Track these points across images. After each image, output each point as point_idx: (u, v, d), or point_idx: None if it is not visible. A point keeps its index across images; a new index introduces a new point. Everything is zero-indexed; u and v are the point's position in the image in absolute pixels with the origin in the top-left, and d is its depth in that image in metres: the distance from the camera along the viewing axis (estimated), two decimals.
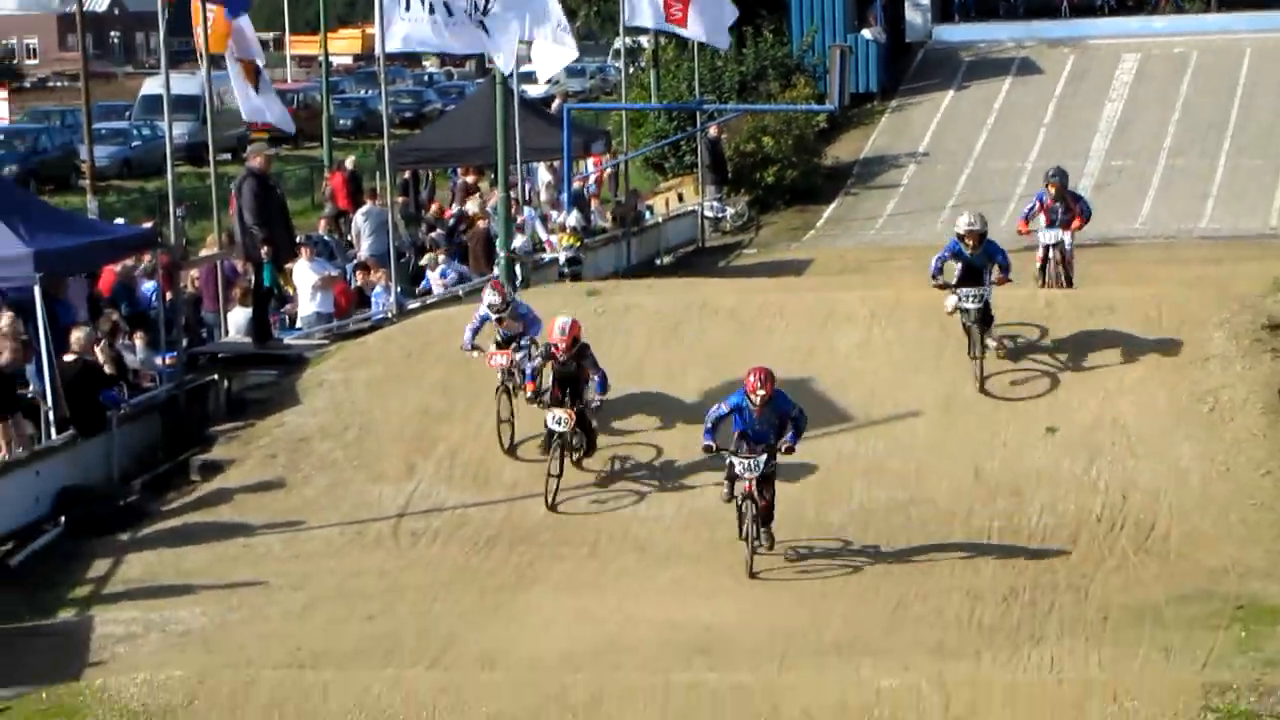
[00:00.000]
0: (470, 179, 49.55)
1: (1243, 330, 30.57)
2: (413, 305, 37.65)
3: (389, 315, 36.46)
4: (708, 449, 25.59)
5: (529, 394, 28.55)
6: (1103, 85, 58.86)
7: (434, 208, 48.74)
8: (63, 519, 27.74)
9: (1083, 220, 32.23)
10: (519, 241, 40.51)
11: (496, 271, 38.50)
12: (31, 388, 29.35)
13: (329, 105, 48.64)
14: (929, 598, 23.53)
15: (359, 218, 43.94)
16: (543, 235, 44.27)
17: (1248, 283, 33.91)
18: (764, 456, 25.20)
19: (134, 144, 63.35)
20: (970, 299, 27.74)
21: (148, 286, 35.50)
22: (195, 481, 29.53)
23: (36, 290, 28.90)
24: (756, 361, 30.65)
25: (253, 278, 34.65)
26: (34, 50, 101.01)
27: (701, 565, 25.08)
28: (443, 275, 39.85)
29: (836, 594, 23.41)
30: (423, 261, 41.10)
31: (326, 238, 42.49)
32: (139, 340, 33.50)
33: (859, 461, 28.00)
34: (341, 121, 54.36)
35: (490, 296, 29.61)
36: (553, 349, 28.20)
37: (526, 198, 45.93)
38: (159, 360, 33.09)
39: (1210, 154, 53.67)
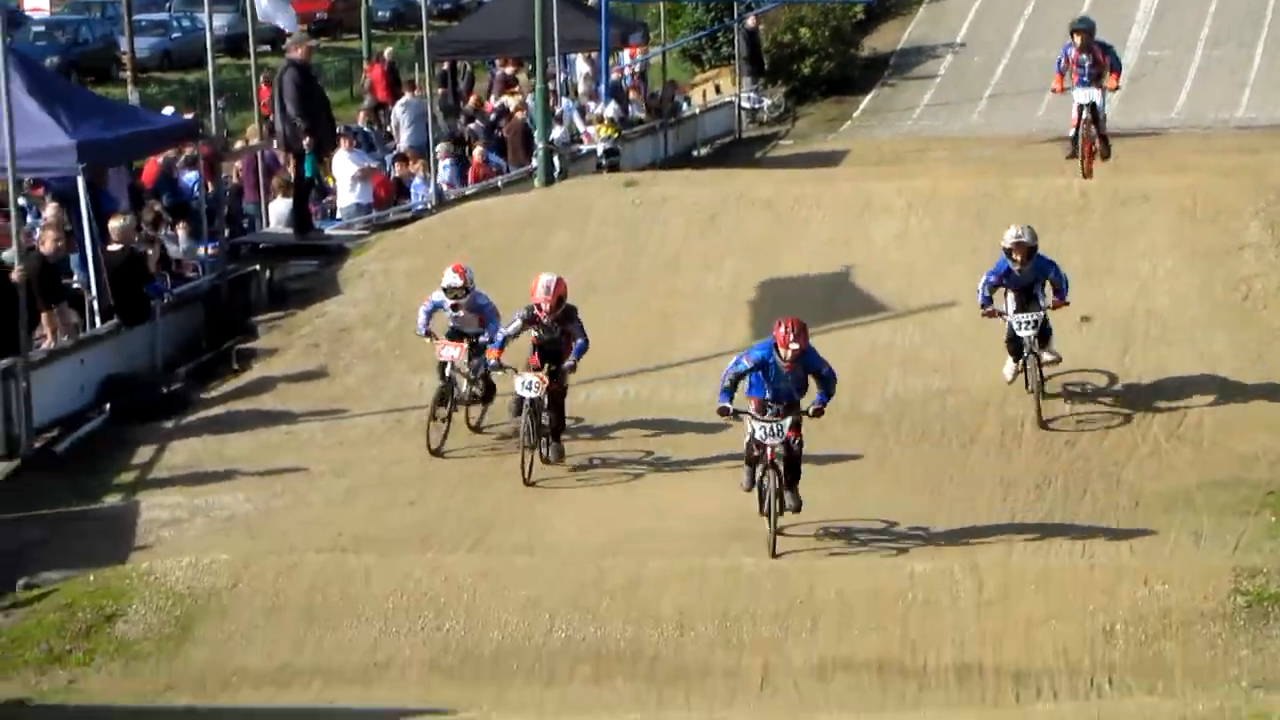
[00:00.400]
0: (509, 70, 49.53)
1: (1277, 219, 30.65)
2: (451, 196, 37.78)
3: (428, 206, 36.57)
4: (723, 411, 22.52)
5: (492, 361, 25.54)
6: None
7: (472, 100, 48.72)
8: (107, 407, 27.93)
9: (1116, 75, 30.87)
10: (557, 133, 40.33)
11: (535, 163, 38.50)
12: (76, 277, 29.49)
13: None
14: (962, 485, 23.66)
15: (398, 109, 44.06)
16: (580, 127, 44.23)
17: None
18: (788, 420, 22.26)
19: (174, 35, 63.19)
20: (1026, 326, 25.14)
21: (189, 177, 35.62)
22: (237, 370, 29.77)
23: (80, 181, 29.04)
24: (793, 252, 30.94)
25: (293, 169, 34.81)
26: None
27: (736, 460, 25.11)
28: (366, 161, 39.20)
29: (871, 481, 23.50)
30: (398, 173, 40.67)
31: (365, 129, 42.46)
32: (181, 231, 33.66)
33: (895, 351, 28.01)
34: (380, 13, 54.08)
35: (450, 278, 26.09)
36: (535, 311, 24.93)
37: (564, 89, 45.75)
38: (201, 250, 33.22)
39: (1248, 44, 53.56)
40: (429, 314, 26.45)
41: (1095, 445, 24.90)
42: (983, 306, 25.33)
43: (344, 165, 37.39)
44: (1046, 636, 19.23)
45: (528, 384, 24.96)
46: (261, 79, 37.20)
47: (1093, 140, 30.46)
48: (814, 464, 24.25)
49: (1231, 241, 29.97)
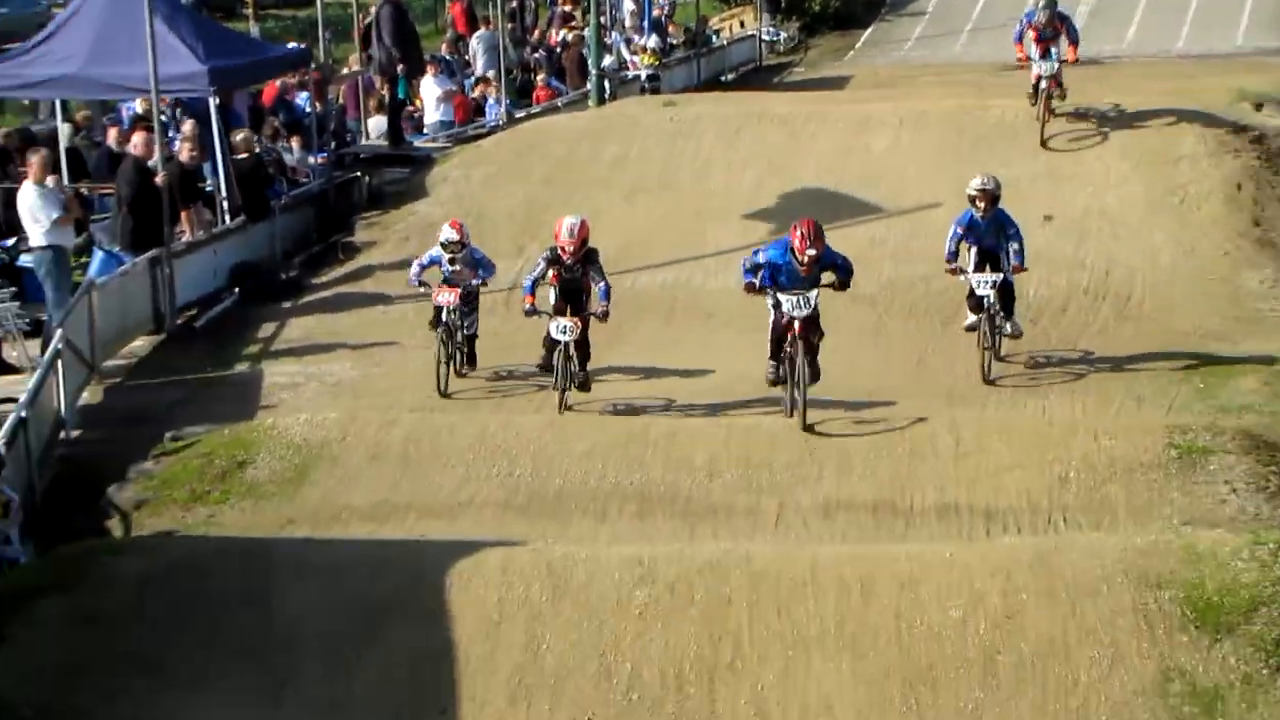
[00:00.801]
0: (567, 8, 49.25)
1: (1209, 135, 30.71)
2: (519, 115, 37.94)
3: (500, 123, 36.67)
4: (749, 287, 21.33)
5: (526, 307, 22.88)
6: None
7: (536, 33, 48.66)
8: (236, 290, 28.22)
9: (1074, 47, 29.31)
10: (607, 61, 40.32)
11: (589, 86, 38.58)
12: (209, 182, 29.71)
13: None
14: (944, 355, 23.90)
15: (475, 41, 44.02)
16: (627, 56, 44.13)
17: (1214, 95, 33.86)
18: (814, 292, 20.94)
19: None
20: (985, 285, 23.22)
21: (301, 98, 35.74)
22: (342, 259, 29.96)
23: (211, 101, 29.26)
24: (804, 161, 31.12)
25: (388, 91, 35.07)
26: None
27: (760, 329, 25.16)
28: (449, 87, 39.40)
29: (869, 350, 23.64)
30: (475, 94, 40.72)
31: (448, 57, 42.37)
32: (295, 143, 33.79)
33: (889, 244, 28.13)
34: None
35: (447, 233, 23.70)
36: (559, 252, 22.65)
37: (613, 24, 45.70)
38: (312, 160, 33.38)
39: None
40: (424, 267, 24.06)
41: (1055, 323, 25.09)
42: (948, 261, 23.60)
43: (430, 88, 37.55)
44: (1012, 481, 19.39)
45: (563, 328, 22.54)
46: (361, 15, 37.24)
47: (1051, 98, 29.38)
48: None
49: (1171, 153, 30.06)
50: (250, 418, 22.69)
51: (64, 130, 30.95)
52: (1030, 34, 28.35)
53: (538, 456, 20.42)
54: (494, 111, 38.19)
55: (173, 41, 28.30)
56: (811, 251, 20.71)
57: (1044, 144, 24.80)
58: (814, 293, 20.94)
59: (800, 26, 54.41)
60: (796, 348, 21.11)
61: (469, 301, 23.91)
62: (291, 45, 38.10)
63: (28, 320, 25.07)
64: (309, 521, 19.19)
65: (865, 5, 55.35)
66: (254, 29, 41.80)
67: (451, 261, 23.66)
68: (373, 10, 36.17)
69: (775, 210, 29.38)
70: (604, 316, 22.83)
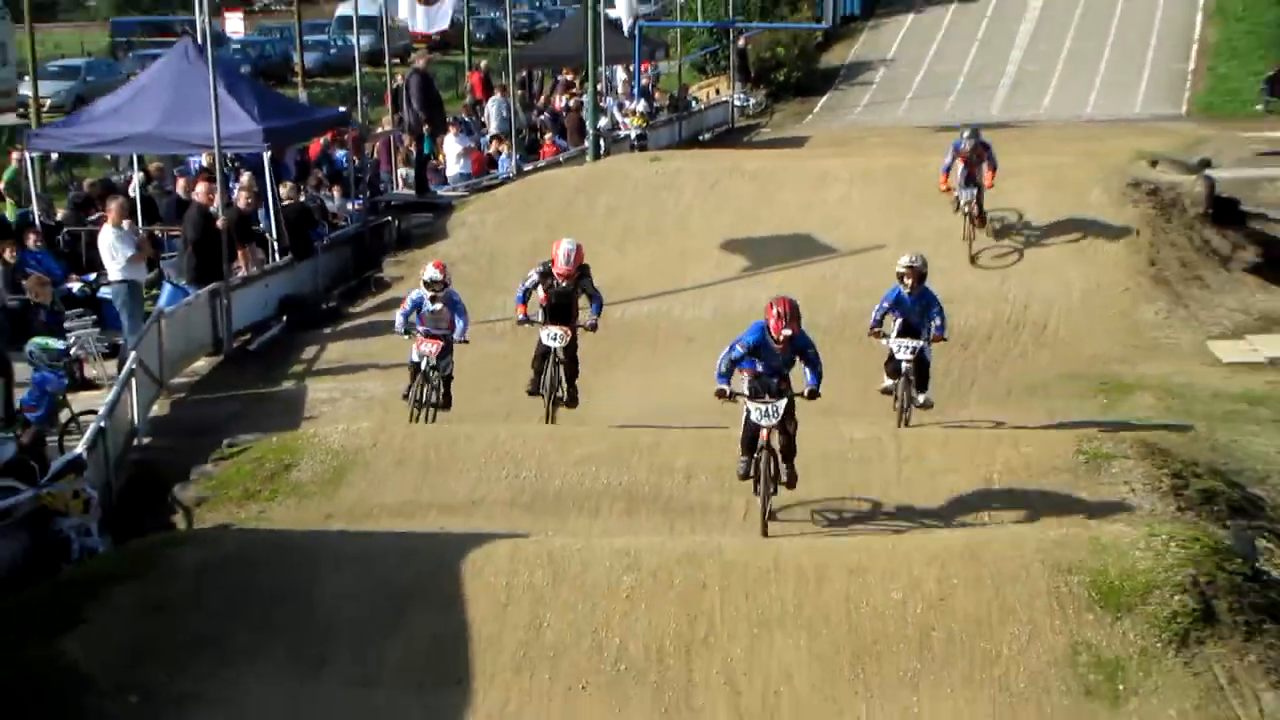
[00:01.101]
0: (568, 77, 49.48)
1: (1113, 188, 30.79)
2: (527, 168, 37.97)
3: (511, 175, 36.89)
4: (720, 394, 18.49)
5: (520, 316, 22.08)
6: (1019, 12, 58.52)
7: (542, 98, 48.83)
8: (284, 318, 28.31)
9: (993, 173, 27.78)
10: (603, 122, 40.48)
11: (587, 144, 38.63)
12: (262, 225, 29.71)
13: (469, 24, 48.40)
14: (1022, 445, 21.80)
15: (490, 105, 44.25)
16: (619, 119, 44.32)
17: (1117, 154, 33.98)
18: (783, 402, 18.38)
19: (331, 50, 63.29)
20: (904, 349, 21.90)
21: (340, 154, 35.86)
22: (375, 292, 30.11)
23: (265, 155, 29.32)
24: (769, 209, 31.21)
25: (415, 147, 35.16)
26: None
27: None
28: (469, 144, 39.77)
29: (826, 372, 23.56)
30: (490, 151, 41.01)
31: (466, 119, 42.69)
32: (336, 192, 33.94)
33: (841, 280, 28.19)
34: (477, 35, 54.06)
35: (431, 272, 22.08)
36: (553, 271, 21.66)
37: (607, 91, 45.80)
38: (350, 206, 33.55)
39: (1093, 63, 53.51)
40: (407, 315, 22.10)
41: (982, 348, 25.15)
42: (871, 328, 22.31)
43: (451, 145, 37.88)
44: (945, 483, 19.37)
45: (553, 335, 21.72)
46: (392, 83, 37.34)
47: (974, 215, 28.04)
48: None
49: (1080, 203, 30.17)
50: (295, 427, 22.73)
51: (138, 180, 30.98)
52: (959, 162, 27.20)
53: (540, 461, 20.31)
54: (505, 165, 38.41)
55: (232, 105, 28.55)
56: (787, 331, 18.22)
57: (973, 260, 24.31)
58: (782, 403, 18.44)
59: (767, 94, 55.08)
60: (764, 458, 18.55)
61: (447, 352, 22.17)
62: (333, 109, 38.14)
63: (106, 344, 25.17)
64: (345, 517, 19.15)
65: (822, 76, 56.17)
66: (302, 94, 41.81)
67: (433, 299, 21.90)
68: (401, 79, 36.44)
69: (747, 252, 29.60)
70: (593, 328, 21.91)
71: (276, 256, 29.62)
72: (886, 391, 21.81)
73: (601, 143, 39.05)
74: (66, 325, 25.03)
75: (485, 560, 17.07)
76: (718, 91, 55.53)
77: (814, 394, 18.86)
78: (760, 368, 18.63)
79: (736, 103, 53.19)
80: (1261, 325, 27.50)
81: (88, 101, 41.71)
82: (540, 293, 21.87)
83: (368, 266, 31.54)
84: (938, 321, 21.95)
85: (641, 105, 45.66)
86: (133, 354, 23.33)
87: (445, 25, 39.68)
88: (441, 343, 21.87)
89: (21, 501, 18.35)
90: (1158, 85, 51.16)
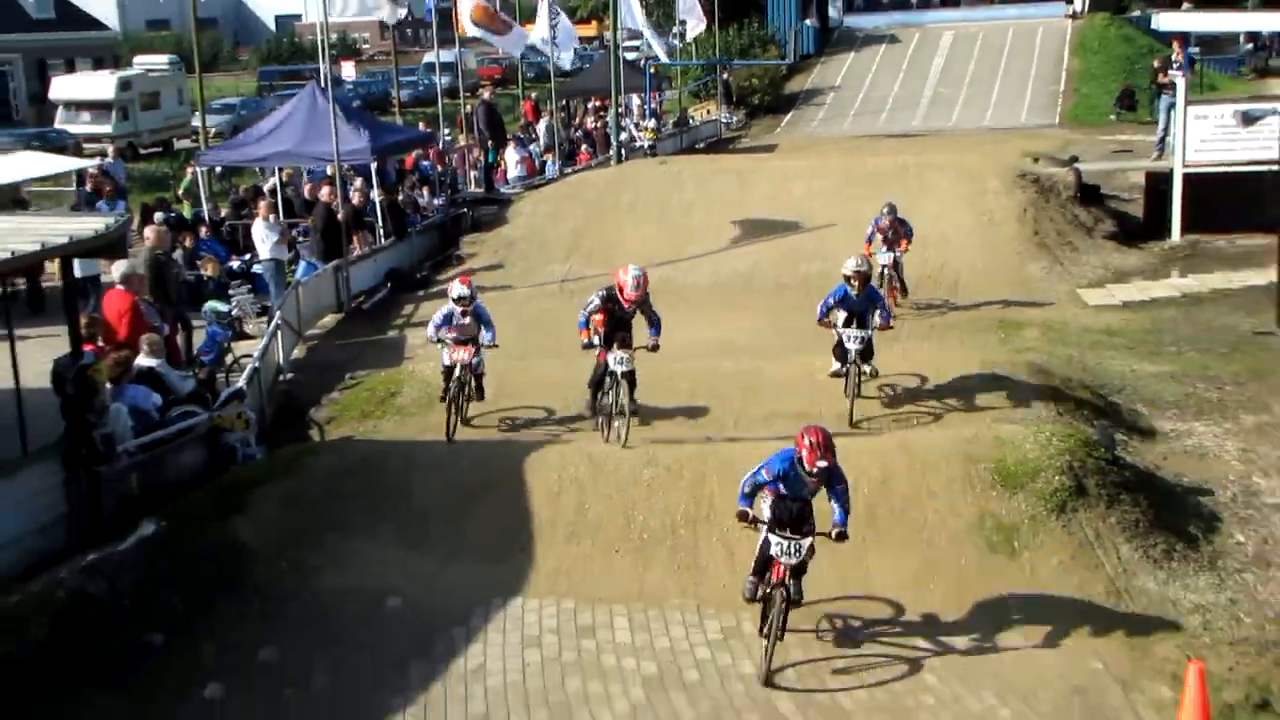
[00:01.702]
0: (597, 104, 49.36)
1: (1006, 178, 30.63)
2: (568, 171, 37.80)
3: (555, 176, 36.71)
4: (743, 516, 13.79)
5: (584, 341, 18.36)
6: (933, 49, 58.00)
7: (578, 120, 48.69)
8: (389, 284, 28.05)
9: (908, 242, 24.68)
10: (623, 136, 40.36)
11: (611, 152, 38.42)
12: (370, 217, 29.63)
13: (522, 65, 48.09)
14: (944, 368, 21.12)
15: (539, 125, 44.20)
16: (635, 133, 44.16)
17: (1009, 153, 33.92)
18: (808, 542, 13.69)
19: (420, 87, 62.75)
20: (854, 340, 19.27)
21: (427, 163, 35.74)
22: (455, 264, 29.76)
23: (372, 165, 29.33)
24: (749, 199, 30.88)
25: (482, 157, 35.12)
26: (365, 39, 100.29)
27: (724, 308, 25.00)
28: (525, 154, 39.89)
29: (790, 317, 23.31)
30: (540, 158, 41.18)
31: (521, 135, 42.70)
32: (425, 191, 33.79)
33: (804, 251, 27.80)
34: (528, 74, 53.70)
35: (460, 289, 19.07)
36: (618, 296, 18.02)
37: (627, 113, 45.63)
38: (435, 201, 33.35)
39: (989, 86, 53.14)
40: (439, 326, 19.08)
41: (911, 300, 24.91)
42: (820, 319, 19.55)
43: (510, 155, 37.77)
44: (903, 374, 19.46)
45: (620, 359, 18.02)
46: (466, 110, 37.34)
47: (895, 281, 24.82)
48: (768, 313, 24.20)
49: (982, 189, 29.99)
50: (398, 365, 22.58)
51: (278, 185, 30.96)
52: (879, 235, 24.65)
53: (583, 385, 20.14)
54: (551, 169, 38.41)
55: (347, 129, 28.65)
56: (822, 463, 13.49)
57: (888, 327, 20.53)
58: (806, 543, 13.66)
59: (745, 113, 54.68)
60: (778, 597, 13.72)
61: (478, 353, 19.17)
62: (422, 130, 38.02)
63: (259, 306, 25.26)
64: (435, 431, 18.87)
65: (786, 99, 55.86)
66: (398, 120, 41.61)
67: (464, 314, 18.92)
68: (471, 107, 36.76)
69: (732, 231, 29.46)
70: (654, 349, 18.01)
71: (382, 239, 29.41)
72: (836, 375, 19.54)
73: (623, 151, 38.74)
74: (230, 293, 25.18)
75: (541, 460, 17.00)
76: (709, 112, 55.21)
77: (842, 535, 13.76)
78: (784, 490, 13.86)
79: (723, 120, 52.85)
80: (1116, 277, 27.37)
81: (241, 129, 41.92)
82: (598, 316, 18.31)
83: (449, 245, 31.21)
84: (881, 312, 19.78)
85: (652, 123, 45.67)
86: (278, 313, 23.28)
87: (520, 50, 40.01)
88: (473, 348, 18.93)
89: (200, 422, 18.28)
90: (1037, 102, 50.84)
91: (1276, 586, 15.17)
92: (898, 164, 31.98)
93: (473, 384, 19.26)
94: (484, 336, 19.07)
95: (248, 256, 27.29)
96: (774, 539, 13.73)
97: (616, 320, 18.26)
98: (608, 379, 18.31)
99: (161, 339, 19.69)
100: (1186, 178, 29.51)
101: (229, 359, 22.03)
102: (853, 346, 19.30)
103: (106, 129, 50.59)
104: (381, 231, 29.55)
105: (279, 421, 20.64)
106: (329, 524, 16.06)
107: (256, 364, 20.77)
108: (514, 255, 29.78)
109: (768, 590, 13.79)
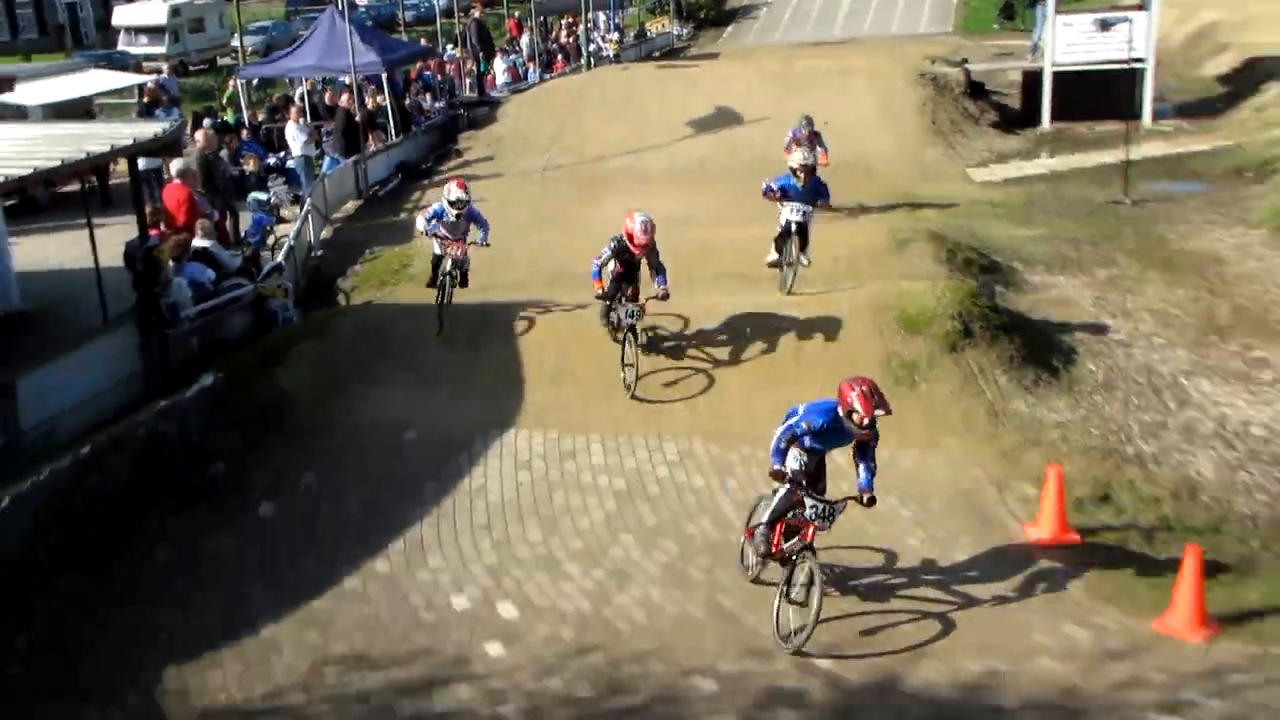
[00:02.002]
0: (569, 20, 48.49)
1: (909, 77, 30.40)
2: (546, 77, 37.32)
3: (536, 82, 36.28)
4: (779, 475, 11.43)
5: (598, 291, 15.86)
6: None
7: (554, 34, 47.89)
8: (399, 175, 27.74)
9: (825, 154, 22.44)
10: (592, 47, 39.80)
11: (582, 61, 37.91)
12: (385, 118, 29.25)
13: None
14: (857, 238, 20.75)
15: (523, 39, 43.60)
16: (602, 44, 43.49)
17: (912, 56, 33.55)
18: (842, 505, 11.44)
19: (422, 9, 61.05)
20: (798, 212, 17.78)
21: (428, 73, 35.16)
22: (454, 158, 29.42)
23: (383, 76, 28.96)
24: (697, 97, 30.35)
25: (475, 67, 34.73)
26: None
27: (679, 188, 24.77)
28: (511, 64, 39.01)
29: (730, 198, 23.09)
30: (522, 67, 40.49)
31: (507, 48, 41.93)
32: (428, 97, 33.27)
33: (741, 141, 27.46)
34: None
35: (456, 192, 17.05)
36: (628, 244, 15.69)
37: (595, 28, 44.90)
38: (437, 105, 32.88)
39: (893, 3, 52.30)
40: (429, 220, 17.22)
41: (830, 180, 24.67)
42: (765, 193, 18.04)
43: (498, 64, 37.21)
44: (824, 251, 18.71)
45: (631, 313, 15.64)
46: (460, 27, 36.87)
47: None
48: (708, 189, 23.98)
49: (890, 87, 29.78)
50: (408, 242, 22.24)
51: (306, 93, 30.55)
52: (794, 143, 22.33)
53: (566, 248, 20.03)
54: (533, 76, 37.83)
55: (361, 46, 28.10)
56: (880, 411, 11.05)
57: (830, 207, 19.22)
58: (842, 506, 11.38)
59: (693, 26, 53.82)
60: (805, 561, 11.37)
61: (465, 251, 17.17)
62: (424, 45, 37.46)
63: (292, 195, 24.90)
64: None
65: (728, 13, 54.92)
66: (404, 37, 40.96)
67: (457, 216, 17.05)
68: (465, 25, 36.20)
69: (683, 124, 29.07)
70: (664, 297, 15.72)
71: (393, 137, 28.98)
72: (773, 264, 18.29)
73: (591, 60, 38.26)
74: (268, 184, 24.83)
75: (529, 321, 16.97)
76: (663, 26, 54.41)
77: (872, 500, 11.39)
78: (812, 444, 11.45)
79: (675, 33, 52.09)
80: (998, 159, 27.29)
81: (274, 48, 41.48)
82: (614, 264, 15.96)
83: (449, 141, 30.71)
84: (824, 192, 18.15)
85: (616, 36, 44.93)
86: (309, 201, 23.11)
87: None
88: (464, 244, 17.04)
89: (247, 292, 18.28)
90: (934, 14, 50.25)
91: (1119, 406, 15.44)
92: (821, 68, 31.44)
93: (459, 275, 17.21)
94: (477, 235, 17.11)
95: (282, 154, 26.98)
96: (809, 501, 11.30)
97: (627, 269, 15.85)
98: (619, 327, 15.89)
99: (213, 224, 19.80)
100: (1055, 75, 29.35)
101: (270, 240, 21.90)
102: (794, 218, 17.65)
103: (161, 49, 49.95)
104: (392, 130, 29.16)
105: (311, 290, 20.54)
106: (354, 373, 16.05)
107: (292, 243, 20.73)
108: (502, 148, 29.35)
109: (796, 560, 11.39)
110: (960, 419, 14.89)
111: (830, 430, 11.23)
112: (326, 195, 24.57)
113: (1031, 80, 30.39)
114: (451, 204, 17.01)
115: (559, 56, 43.46)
